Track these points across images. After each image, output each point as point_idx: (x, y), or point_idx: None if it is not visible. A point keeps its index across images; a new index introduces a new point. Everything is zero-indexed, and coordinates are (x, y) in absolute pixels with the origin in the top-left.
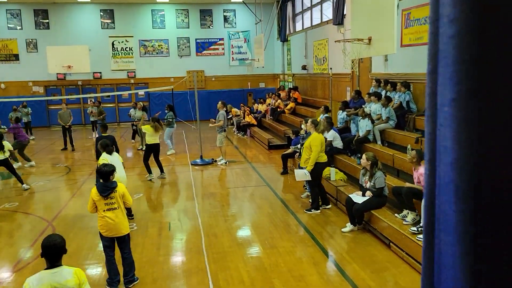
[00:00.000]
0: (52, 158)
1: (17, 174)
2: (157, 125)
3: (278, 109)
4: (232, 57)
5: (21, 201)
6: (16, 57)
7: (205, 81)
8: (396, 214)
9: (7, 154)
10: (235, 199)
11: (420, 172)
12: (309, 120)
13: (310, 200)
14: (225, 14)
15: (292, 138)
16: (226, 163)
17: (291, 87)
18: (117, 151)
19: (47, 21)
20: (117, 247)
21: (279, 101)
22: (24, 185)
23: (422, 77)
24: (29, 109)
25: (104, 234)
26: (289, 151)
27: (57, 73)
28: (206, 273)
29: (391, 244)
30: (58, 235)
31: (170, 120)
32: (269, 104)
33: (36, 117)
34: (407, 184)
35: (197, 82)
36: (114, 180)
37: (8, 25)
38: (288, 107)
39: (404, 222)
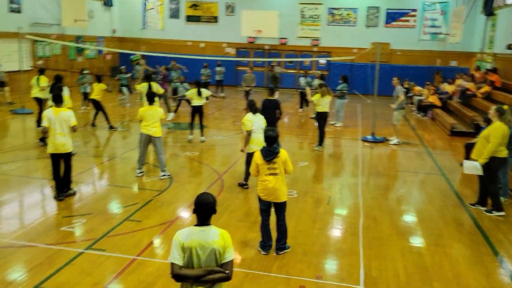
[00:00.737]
0: (234, 115)
1: (202, 125)
2: (324, 90)
3: (469, 92)
4: (424, 31)
5: (201, 151)
6: (215, 19)
7: (390, 55)
8: None
9: (204, 101)
10: (403, 183)
11: None
12: (494, 108)
13: (491, 200)
14: None
15: (482, 126)
16: (398, 142)
17: (489, 68)
18: (280, 115)
19: None
20: (273, 213)
21: (471, 83)
22: (202, 137)
23: None
24: (223, 68)
25: (262, 197)
26: (475, 140)
27: (248, 37)
28: (359, 257)
29: None
30: (211, 195)
31: (345, 91)
32: (459, 85)
33: (225, 76)
34: None
35: (381, 55)
36: (276, 145)
37: None
38: (482, 90)
39: None
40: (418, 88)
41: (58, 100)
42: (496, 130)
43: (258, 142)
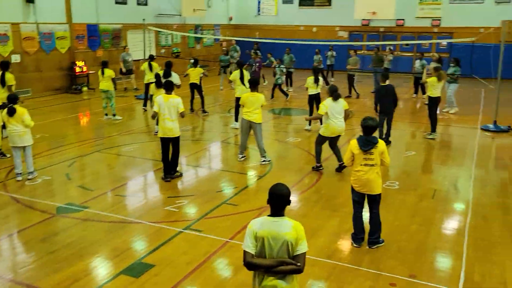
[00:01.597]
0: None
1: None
2: (442, 74)
3: None
4: None
5: (303, 138)
6: (329, 2)
7: None
8: None
9: (320, 89)
10: None
11: None
12: None
13: None
14: None
15: None
16: None
17: None
18: (395, 102)
19: None
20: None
21: None
22: (309, 126)
23: None
24: (334, 52)
25: (356, 189)
26: None
27: (362, 19)
28: (461, 259)
29: None
30: (286, 186)
31: (458, 75)
32: None
33: (337, 61)
34: None
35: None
36: (374, 135)
37: None
38: None
39: None
40: None
41: (168, 87)
42: None
43: (332, 128)
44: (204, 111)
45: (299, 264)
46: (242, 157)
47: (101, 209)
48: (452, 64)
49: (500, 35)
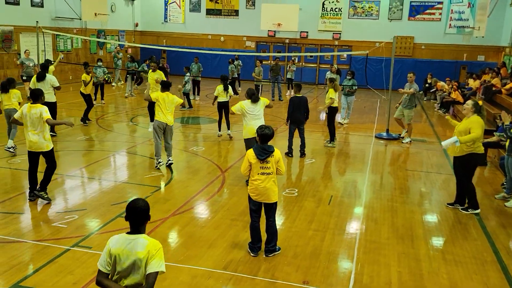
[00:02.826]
0: None
1: (228, 121)
2: (336, 84)
3: (494, 88)
4: (450, 24)
5: (207, 147)
6: (236, 12)
7: (413, 49)
8: None
9: (229, 97)
10: (413, 183)
11: None
12: (470, 102)
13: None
14: None
15: (499, 124)
16: (410, 141)
17: None
18: (307, 114)
19: None
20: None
21: (496, 78)
22: (229, 131)
23: None
24: (240, 61)
25: (253, 197)
26: (494, 139)
27: (268, 30)
28: (352, 262)
29: None
30: (144, 201)
31: (356, 88)
32: (484, 81)
33: (245, 70)
34: None
35: (404, 49)
36: (270, 144)
37: None
38: (507, 87)
39: None
40: (441, 83)
41: (33, 97)
42: (476, 122)
43: (250, 129)
44: (84, 120)
45: (144, 285)
46: (159, 162)
47: None
48: (349, 77)
49: (384, 49)
